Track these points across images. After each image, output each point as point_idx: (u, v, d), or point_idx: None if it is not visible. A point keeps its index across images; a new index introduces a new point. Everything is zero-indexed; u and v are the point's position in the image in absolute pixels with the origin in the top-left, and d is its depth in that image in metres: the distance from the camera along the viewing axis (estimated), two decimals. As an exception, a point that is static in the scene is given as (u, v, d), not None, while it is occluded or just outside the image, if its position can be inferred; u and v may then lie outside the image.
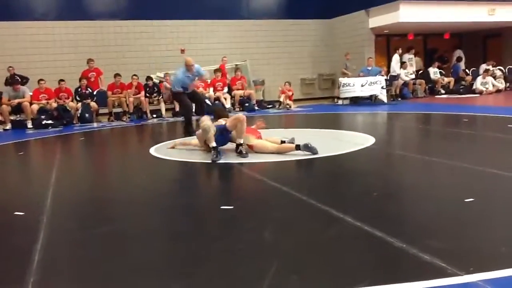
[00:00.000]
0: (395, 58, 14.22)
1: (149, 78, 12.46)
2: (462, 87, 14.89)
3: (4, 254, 2.85)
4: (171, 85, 11.68)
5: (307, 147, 5.36)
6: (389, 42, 16.47)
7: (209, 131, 5.46)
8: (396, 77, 13.98)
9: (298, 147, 5.43)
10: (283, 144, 5.68)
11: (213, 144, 5.47)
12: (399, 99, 13.81)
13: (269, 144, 5.70)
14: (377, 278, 2.21)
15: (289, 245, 2.73)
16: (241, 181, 4.77)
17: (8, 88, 11.12)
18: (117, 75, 12.18)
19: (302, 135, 6.26)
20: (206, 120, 5.60)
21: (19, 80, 11.55)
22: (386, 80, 13.30)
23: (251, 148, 5.70)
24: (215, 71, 13.00)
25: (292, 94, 13.65)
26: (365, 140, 6.33)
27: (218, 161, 5.33)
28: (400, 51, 14.40)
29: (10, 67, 11.78)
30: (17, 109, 11.11)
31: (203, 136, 5.67)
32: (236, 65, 14.29)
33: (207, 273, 2.38)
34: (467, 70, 15.83)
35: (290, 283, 2.21)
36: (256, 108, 13.10)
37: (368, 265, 2.42)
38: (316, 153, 5.33)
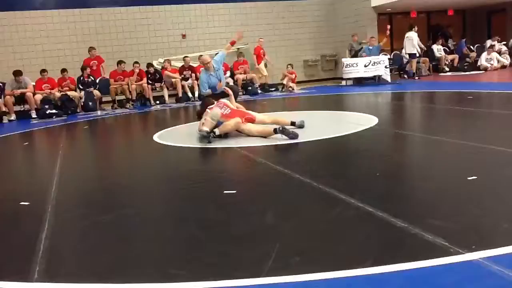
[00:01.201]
0: (414, 35, 13.86)
1: (150, 65, 12.40)
2: (466, 64, 14.73)
3: (10, 243, 2.88)
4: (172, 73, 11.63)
5: (284, 131, 5.36)
6: (392, 20, 16.27)
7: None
8: (415, 55, 13.73)
9: (275, 131, 5.43)
10: (264, 127, 5.73)
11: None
12: (417, 78, 13.62)
13: (253, 128, 5.76)
14: (379, 258, 2.22)
15: (291, 228, 2.74)
16: (244, 165, 4.78)
17: (11, 80, 11.13)
18: (120, 62, 12.10)
19: (305, 117, 6.23)
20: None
21: None
22: (389, 59, 13.18)
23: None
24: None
25: (295, 76, 13.58)
26: (368, 121, 6.30)
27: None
28: (416, 28, 14.07)
29: None
30: (21, 99, 11.13)
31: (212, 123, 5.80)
32: (238, 48, 14.20)
33: (210, 257, 2.40)
34: (471, 47, 15.64)
35: (293, 265, 2.23)
36: (259, 91, 13.06)
37: (370, 246, 2.43)
38: (293, 137, 5.31)
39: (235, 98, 7.00)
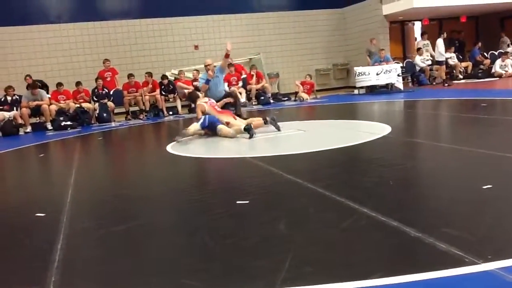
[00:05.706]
0: (439, 42, 13.87)
1: (164, 76, 12.49)
2: (480, 71, 14.59)
3: (26, 255, 2.91)
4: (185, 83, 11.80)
5: (273, 121, 6.66)
6: (404, 28, 16.23)
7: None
8: (442, 61, 13.69)
9: (265, 121, 6.72)
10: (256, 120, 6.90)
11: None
12: (447, 84, 13.48)
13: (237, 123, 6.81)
14: (393, 268, 2.21)
15: (304, 237, 2.73)
16: (256, 175, 4.77)
17: (27, 92, 11.34)
18: (130, 75, 12.25)
19: (317, 127, 6.23)
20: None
21: (39, 84, 11.71)
22: (402, 67, 13.11)
23: (227, 124, 6.79)
24: (229, 65, 12.94)
25: (310, 87, 13.44)
26: (381, 130, 6.26)
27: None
28: (445, 35, 14.09)
29: (28, 75, 11.86)
30: (37, 111, 11.33)
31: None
32: (250, 59, 14.27)
33: (223, 267, 2.41)
34: (485, 54, 15.50)
35: (306, 275, 2.22)
36: (272, 101, 13.07)
37: (384, 255, 2.41)
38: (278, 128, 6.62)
39: (239, 108, 7.62)
